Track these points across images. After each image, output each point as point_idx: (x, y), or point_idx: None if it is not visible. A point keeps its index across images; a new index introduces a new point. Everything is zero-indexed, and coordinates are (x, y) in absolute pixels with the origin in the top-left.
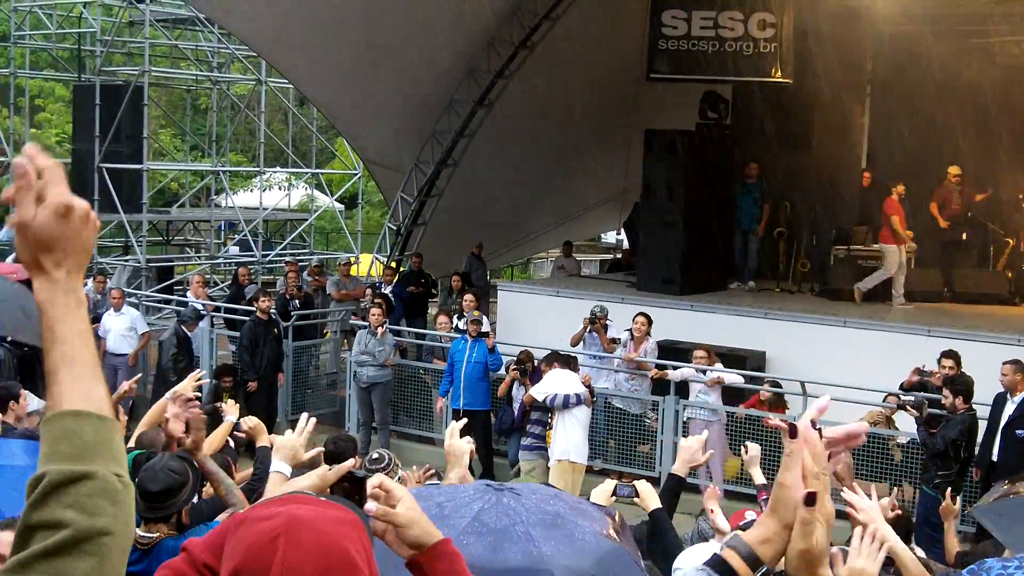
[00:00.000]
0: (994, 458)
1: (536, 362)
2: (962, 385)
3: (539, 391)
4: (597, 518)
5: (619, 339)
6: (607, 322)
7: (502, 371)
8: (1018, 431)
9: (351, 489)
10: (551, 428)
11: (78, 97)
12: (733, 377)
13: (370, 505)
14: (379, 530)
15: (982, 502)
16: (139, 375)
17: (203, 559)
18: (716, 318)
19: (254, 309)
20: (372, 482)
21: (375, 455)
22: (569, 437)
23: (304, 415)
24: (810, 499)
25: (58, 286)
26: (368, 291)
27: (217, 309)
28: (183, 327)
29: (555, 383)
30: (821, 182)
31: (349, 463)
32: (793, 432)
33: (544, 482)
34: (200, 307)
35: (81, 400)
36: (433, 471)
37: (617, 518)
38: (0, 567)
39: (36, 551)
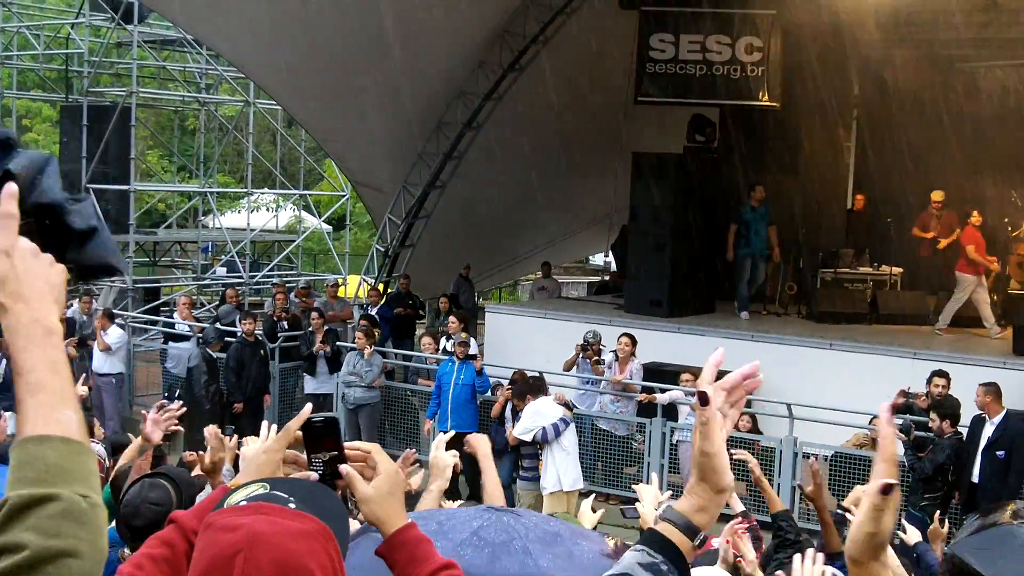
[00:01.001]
0: (974, 479)
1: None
2: (949, 409)
3: (523, 431)
4: (597, 540)
5: (603, 360)
6: (601, 347)
7: (489, 393)
8: (998, 452)
9: (318, 439)
10: (541, 459)
11: (65, 118)
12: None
13: (344, 467)
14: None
15: (959, 537)
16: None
17: (192, 526)
18: (703, 340)
19: (239, 331)
20: (361, 446)
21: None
22: (559, 467)
23: (265, 423)
24: (887, 489)
25: (19, 317)
26: (315, 314)
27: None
28: (208, 349)
29: (537, 415)
30: (808, 205)
31: (307, 409)
32: (704, 400)
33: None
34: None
35: (45, 425)
36: (416, 458)
37: (617, 543)
38: None
39: None
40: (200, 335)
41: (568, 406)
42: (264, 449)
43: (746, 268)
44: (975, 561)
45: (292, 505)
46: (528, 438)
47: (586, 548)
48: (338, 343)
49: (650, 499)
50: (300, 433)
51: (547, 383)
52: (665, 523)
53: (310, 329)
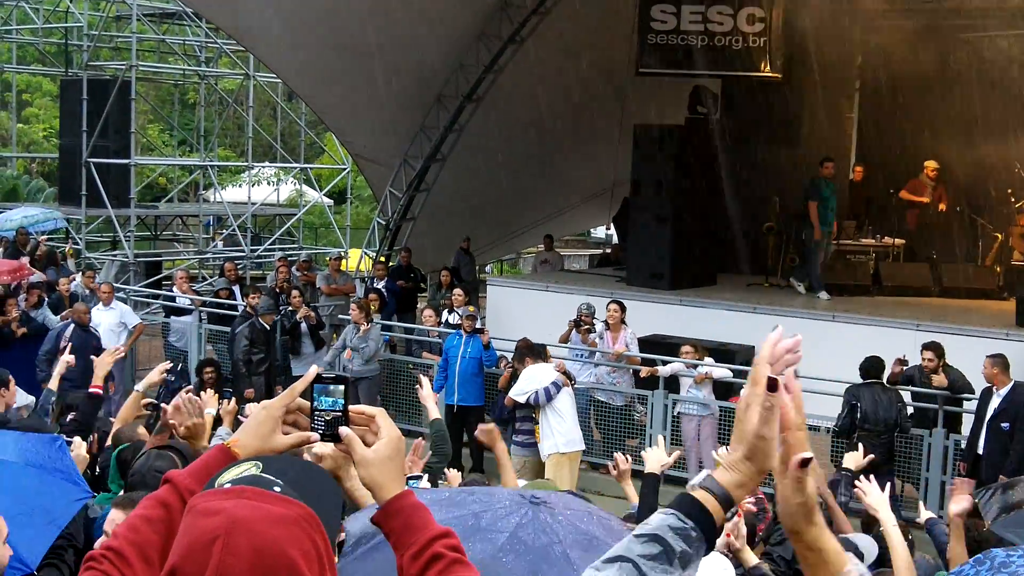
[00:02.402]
0: (978, 451)
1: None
2: (867, 365)
3: (518, 393)
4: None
5: (594, 329)
6: (595, 320)
7: (496, 367)
8: (1003, 424)
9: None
10: (538, 423)
11: (65, 92)
12: (722, 372)
13: (344, 429)
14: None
15: (988, 516)
16: (169, 365)
17: (187, 484)
18: (705, 312)
19: (244, 304)
20: (366, 410)
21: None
22: (556, 429)
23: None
24: (805, 462)
25: None
26: (295, 292)
27: (204, 304)
28: (260, 320)
29: (531, 379)
30: (810, 177)
31: (314, 369)
32: (773, 386)
33: (537, 477)
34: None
35: None
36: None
37: None
38: None
39: None
40: (200, 308)
41: (568, 375)
42: (264, 406)
43: (823, 246)
44: (1019, 540)
45: (277, 489)
46: (522, 400)
47: None
48: (340, 316)
49: (655, 461)
50: (301, 397)
51: (548, 352)
52: (703, 491)
53: (289, 308)
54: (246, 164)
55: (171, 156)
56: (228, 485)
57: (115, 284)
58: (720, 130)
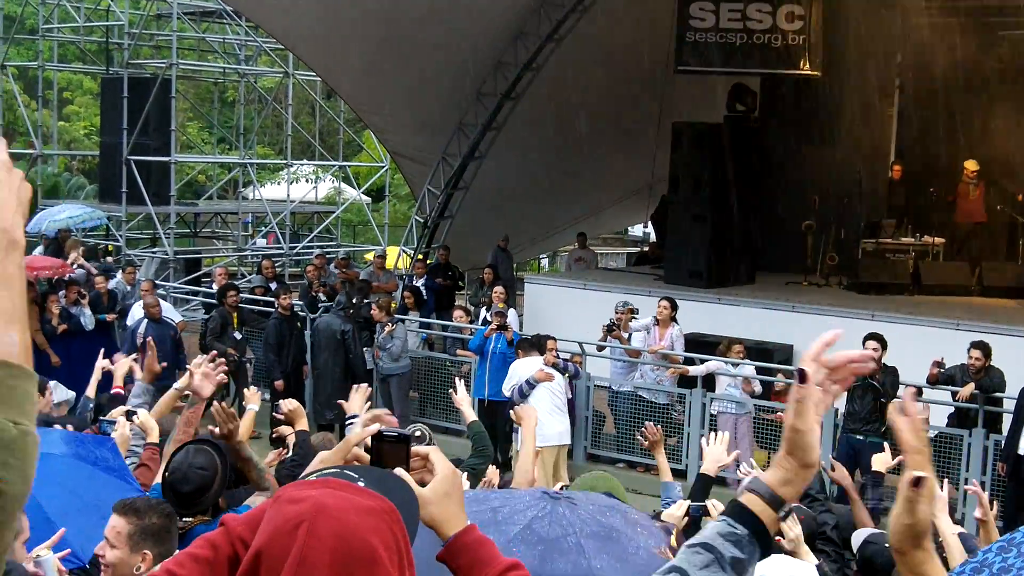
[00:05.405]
0: (1020, 451)
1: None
2: None
3: (505, 388)
4: (655, 534)
5: (638, 315)
6: (634, 316)
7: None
8: None
9: (387, 454)
10: None
11: (106, 90)
12: (749, 370)
13: (399, 470)
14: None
15: None
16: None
17: (239, 532)
18: (743, 311)
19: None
20: (419, 450)
21: (417, 433)
22: None
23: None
24: (917, 482)
25: None
26: (322, 288)
27: (242, 301)
28: (343, 313)
29: (515, 374)
30: (850, 175)
31: (375, 427)
32: (803, 377)
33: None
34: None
35: None
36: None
37: (677, 533)
38: None
39: None
40: (335, 304)
41: (558, 368)
42: (320, 458)
43: None
44: None
45: (361, 483)
46: (508, 395)
47: (641, 545)
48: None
49: (712, 461)
50: (363, 444)
51: (546, 344)
52: (750, 494)
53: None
54: (285, 162)
55: (210, 154)
56: (313, 478)
57: (155, 281)
58: (759, 128)
